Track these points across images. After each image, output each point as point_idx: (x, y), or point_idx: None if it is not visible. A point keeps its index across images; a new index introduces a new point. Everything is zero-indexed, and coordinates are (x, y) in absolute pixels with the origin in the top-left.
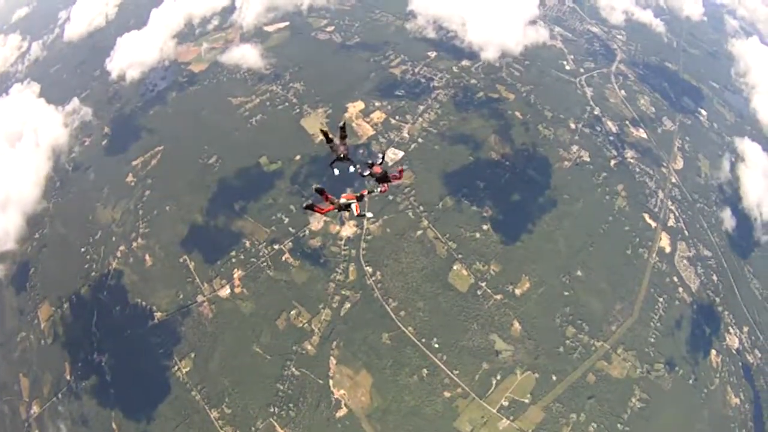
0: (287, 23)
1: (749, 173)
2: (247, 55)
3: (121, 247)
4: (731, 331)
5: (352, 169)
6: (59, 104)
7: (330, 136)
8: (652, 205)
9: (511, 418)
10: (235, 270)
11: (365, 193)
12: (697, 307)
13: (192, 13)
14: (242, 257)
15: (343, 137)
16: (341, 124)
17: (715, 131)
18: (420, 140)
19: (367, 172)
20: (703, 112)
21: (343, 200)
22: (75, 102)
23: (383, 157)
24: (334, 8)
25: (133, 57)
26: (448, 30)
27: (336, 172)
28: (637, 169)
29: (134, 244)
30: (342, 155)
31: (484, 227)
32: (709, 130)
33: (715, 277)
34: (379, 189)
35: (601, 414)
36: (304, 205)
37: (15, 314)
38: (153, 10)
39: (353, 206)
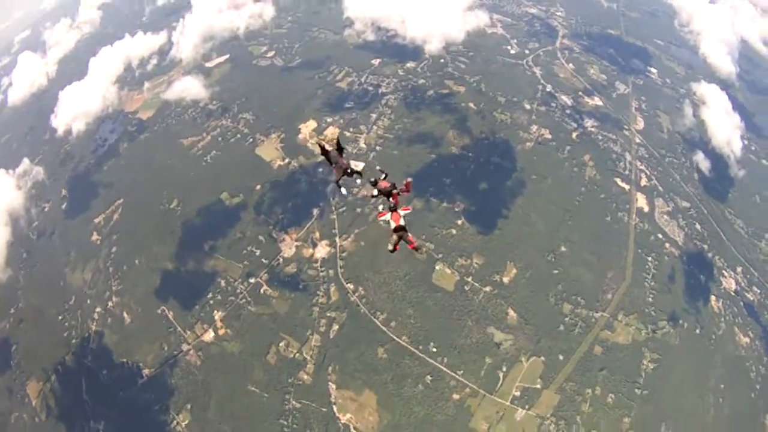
0: (227, 56)
1: (712, 114)
2: (191, 88)
3: (98, 309)
4: (726, 274)
5: (359, 181)
6: (10, 168)
7: (327, 148)
8: (621, 168)
9: (527, 406)
10: (215, 311)
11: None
12: (687, 258)
13: (130, 56)
14: (220, 297)
15: (340, 150)
16: (337, 140)
17: (668, 86)
18: (378, 148)
19: (375, 192)
20: (653, 70)
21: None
22: (25, 162)
23: (385, 172)
24: (271, 33)
25: (76, 109)
26: (387, 30)
27: (343, 191)
28: (600, 137)
29: (110, 303)
30: (348, 169)
31: (459, 222)
32: (663, 85)
33: (698, 226)
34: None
35: (617, 383)
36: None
37: (4, 395)
38: (91, 59)
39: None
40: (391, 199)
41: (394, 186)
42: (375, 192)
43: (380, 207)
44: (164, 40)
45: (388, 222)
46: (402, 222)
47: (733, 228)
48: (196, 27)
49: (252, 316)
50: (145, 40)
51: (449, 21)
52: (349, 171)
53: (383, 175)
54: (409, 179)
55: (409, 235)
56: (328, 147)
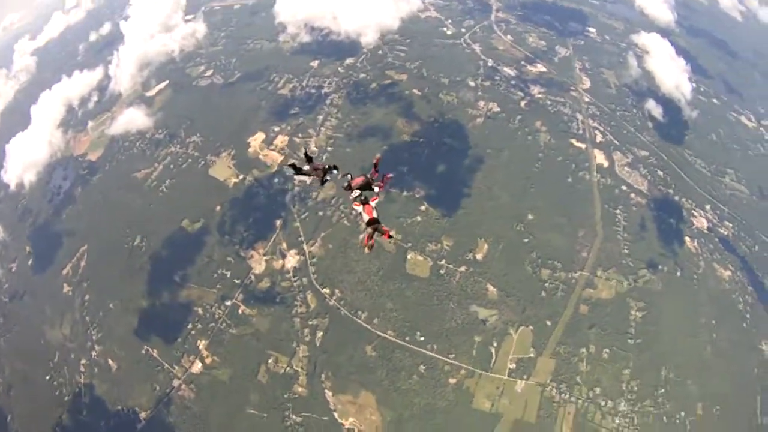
0: (166, 81)
1: (657, 62)
2: (135, 119)
3: (83, 361)
4: (695, 213)
5: (336, 172)
6: None
7: (299, 166)
8: (575, 129)
9: (525, 377)
10: (199, 341)
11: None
12: (655, 204)
13: (69, 97)
14: (200, 326)
15: (309, 159)
16: (304, 151)
17: (609, 42)
18: (330, 148)
19: (356, 194)
20: (592, 29)
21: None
22: None
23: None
24: (206, 51)
25: (25, 160)
26: (321, 29)
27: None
28: (549, 102)
29: (93, 353)
30: (326, 168)
31: (422, 208)
32: (603, 42)
33: (660, 172)
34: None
35: (608, 338)
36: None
37: None
38: (32, 107)
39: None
40: (375, 188)
41: (367, 177)
42: (357, 193)
43: (351, 195)
44: (101, 75)
45: (361, 214)
46: (375, 214)
47: (694, 169)
48: (131, 56)
49: (235, 338)
50: (83, 79)
51: (382, 10)
52: (326, 168)
53: (347, 175)
54: (390, 174)
55: (383, 225)
56: (298, 164)
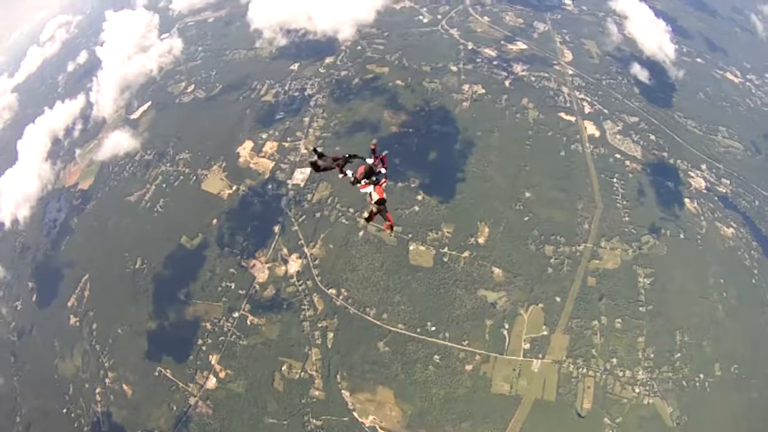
0: (149, 102)
1: (637, 26)
2: (122, 143)
3: (98, 390)
4: (692, 174)
5: (354, 160)
6: None
7: (320, 165)
8: (562, 103)
9: (540, 356)
10: (210, 356)
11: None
12: (651, 169)
13: (54, 129)
14: (210, 341)
15: (321, 156)
16: (312, 148)
17: (587, 12)
18: (319, 149)
19: (371, 189)
20: (568, 2)
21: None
22: None
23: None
24: (186, 68)
25: (16, 196)
26: (297, 30)
27: (349, 173)
28: (533, 78)
29: (107, 380)
30: (345, 156)
31: (419, 197)
32: (581, 14)
33: (652, 137)
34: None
35: (619, 307)
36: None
37: None
38: (18, 142)
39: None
40: (382, 169)
41: (369, 164)
42: (365, 181)
43: (348, 173)
44: (83, 103)
45: (370, 194)
46: (384, 195)
47: (686, 129)
48: (110, 81)
49: (246, 349)
50: (65, 109)
51: (356, 4)
52: (346, 158)
53: (350, 174)
54: (383, 154)
55: (388, 212)
56: (320, 163)
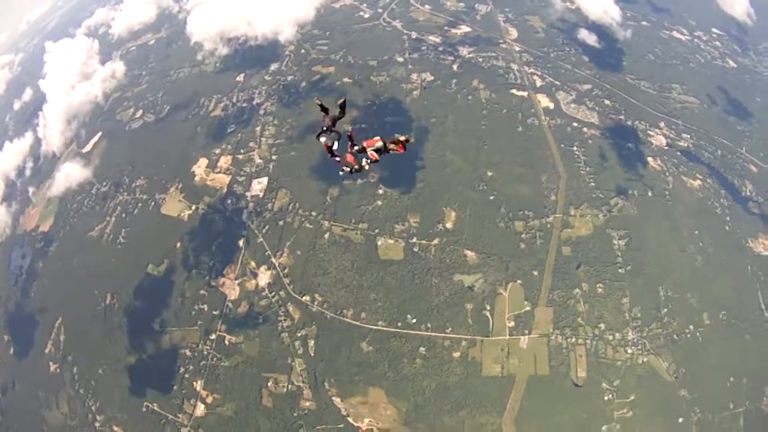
0: (99, 133)
1: None
2: (74, 175)
3: None
4: (651, 132)
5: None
6: None
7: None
8: (513, 79)
9: (526, 332)
10: (194, 382)
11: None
12: (609, 133)
13: (5, 170)
14: (191, 367)
15: (326, 110)
16: (340, 101)
17: None
18: (275, 157)
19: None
20: None
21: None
22: None
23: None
24: (132, 93)
25: None
26: (237, 38)
27: (322, 139)
28: (481, 59)
29: (97, 424)
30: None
31: (380, 191)
32: None
33: (607, 102)
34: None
35: (598, 272)
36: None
37: None
38: None
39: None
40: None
41: (383, 139)
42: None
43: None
44: (31, 140)
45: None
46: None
47: (639, 90)
48: (56, 113)
49: (229, 370)
50: (14, 148)
51: (294, 3)
52: (341, 105)
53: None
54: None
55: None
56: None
